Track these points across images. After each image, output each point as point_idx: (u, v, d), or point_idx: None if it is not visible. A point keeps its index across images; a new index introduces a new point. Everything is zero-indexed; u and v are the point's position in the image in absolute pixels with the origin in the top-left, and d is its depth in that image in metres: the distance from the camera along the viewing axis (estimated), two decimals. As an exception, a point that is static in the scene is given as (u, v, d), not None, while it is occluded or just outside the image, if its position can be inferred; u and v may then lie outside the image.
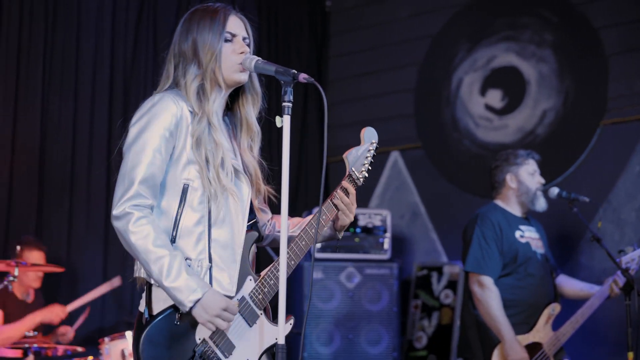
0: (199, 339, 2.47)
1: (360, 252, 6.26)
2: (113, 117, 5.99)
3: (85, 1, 6.01)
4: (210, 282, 2.47)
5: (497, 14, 6.74)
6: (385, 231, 6.30)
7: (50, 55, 5.81)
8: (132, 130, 2.53)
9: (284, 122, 2.46)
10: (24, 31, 5.67)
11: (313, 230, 2.64)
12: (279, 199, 2.48)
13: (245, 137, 2.72)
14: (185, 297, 2.37)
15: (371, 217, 6.32)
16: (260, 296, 2.55)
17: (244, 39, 2.66)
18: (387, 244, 6.29)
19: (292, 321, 2.58)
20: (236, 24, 2.66)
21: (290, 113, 2.47)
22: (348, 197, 2.75)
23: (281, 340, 2.36)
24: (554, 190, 4.70)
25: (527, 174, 4.74)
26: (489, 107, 6.73)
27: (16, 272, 4.29)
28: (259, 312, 2.57)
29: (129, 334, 4.54)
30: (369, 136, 2.91)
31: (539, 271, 4.63)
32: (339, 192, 2.75)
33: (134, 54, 6.24)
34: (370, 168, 2.89)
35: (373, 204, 7.25)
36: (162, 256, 2.37)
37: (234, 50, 2.61)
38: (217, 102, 2.61)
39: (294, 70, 2.52)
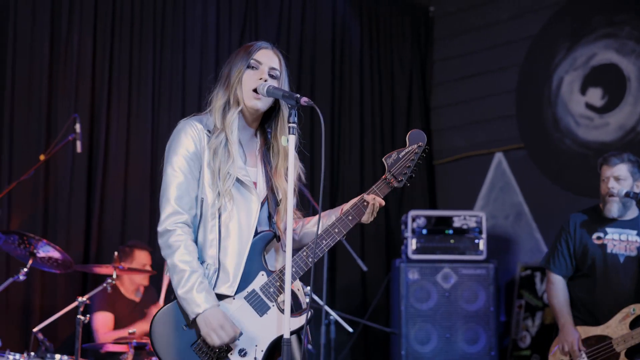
0: (191, 327, 2.77)
1: (456, 253, 6.38)
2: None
3: (190, 23, 6.48)
4: (216, 282, 2.78)
5: (594, 12, 6.67)
6: (480, 232, 6.39)
7: (159, 74, 6.32)
8: (165, 155, 2.90)
9: (290, 141, 2.68)
10: (134, 52, 6.21)
11: (335, 230, 2.85)
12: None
13: (282, 163, 2.95)
14: (191, 309, 2.73)
15: (466, 218, 6.43)
16: (272, 289, 2.80)
17: (271, 69, 2.91)
18: (482, 245, 6.38)
19: (308, 314, 2.79)
20: (265, 55, 2.92)
21: (295, 133, 2.70)
22: (378, 201, 2.90)
23: (286, 335, 2.61)
24: (622, 191, 4.66)
25: (601, 180, 4.78)
26: (589, 106, 6.67)
27: (114, 274, 4.74)
28: (270, 303, 2.79)
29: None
30: (415, 138, 2.94)
31: (614, 272, 4.66)
32: (369, 196, 2.89)
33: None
34: (416, 169, 2.95)
35: (478, 205, 7.34)
36: (182, 270, 2.74)
37: (253, 77, 2.88)
38: (236, 119, 2.88)
39: (297, 95, 2.73)
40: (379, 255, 7.26)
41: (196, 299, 2.71)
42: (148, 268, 5.40)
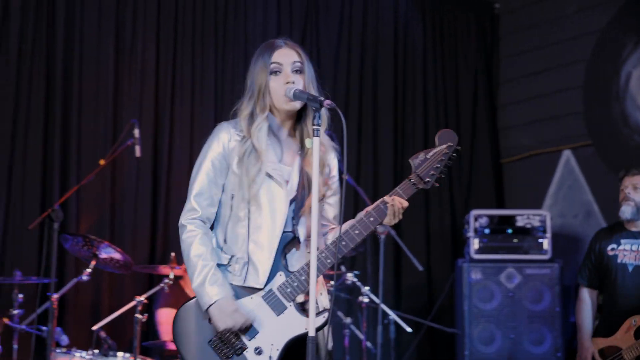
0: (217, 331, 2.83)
1: (520, 252, 6.29)
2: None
3: (251, 25, 6.58)
4: (246, 276, 2.85)
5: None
6: (544, 231, 6.29)
7: (221, 78, 6.44)
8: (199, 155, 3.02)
9: (314, 144, 2.70)
10: (196, 57, 6.34)
11: (356, 231, 2.85)
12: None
13: (308, 152, 2.96)
14: (204, 301, 2.82)
15: (530, 218, 6.34)
16: (289, 289, 2.83)
17: (293, 63, 2.93)
18: (546, 245, 6.27)
19: (325, 315, 2.79)
20: (282, 54, 2.94)
21: (318, 135, 2.72)
22: (400, 203, 2.87)
23: (311, 333, 2.66)
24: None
25: (620, 190, 4.95)
26: (658, 101, 6.48)
27: (171, 275, 4.88)
28: (287, 303, 2.83)
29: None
30: (444, 139, 2.88)
31: (623, 282, 4.79)
32: (391, 198, 2.86)
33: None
34: (444, 170, 2.89)
35: (546, 204, 7.21)
36: (195, 264, 2.85)
37: (279, 83, 2.91)
38: (263, 127, 2.92)
39: (321, 98, 2.76)
40: (444, 255, 7.22)
41: (209, 291, 2.80)
42: None
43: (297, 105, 2.91)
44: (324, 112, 2.82)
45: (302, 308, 2.85)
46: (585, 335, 4.84)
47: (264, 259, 2.85)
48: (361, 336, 5.64)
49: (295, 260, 2.91)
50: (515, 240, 6.31)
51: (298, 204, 2.91)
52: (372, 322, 6.02)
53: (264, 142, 2.90)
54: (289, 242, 2.89)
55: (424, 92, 7.37)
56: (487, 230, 6.34)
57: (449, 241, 7.29)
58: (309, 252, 2.77)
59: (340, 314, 5.63)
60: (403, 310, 6.49)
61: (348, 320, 5.52)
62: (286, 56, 2.93)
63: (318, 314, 2.77)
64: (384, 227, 3.11)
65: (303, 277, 2.82)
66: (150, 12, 6.18)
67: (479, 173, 7.54)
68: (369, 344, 5.63)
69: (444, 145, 2.87)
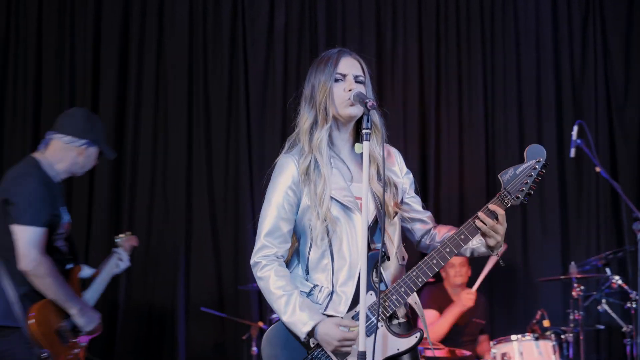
0: (313, 343, 2.78)
1: None
2: (564, 126, 6.04)
3: (522, 15, 6.19)
4: (328, 304, 2.79)
5: None
6: None
7: (491, 75, 6.12)
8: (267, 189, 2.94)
9: (364, 148, 2.63)
10: (462, 55, 6.09)
11: (446, 249, 2.79)
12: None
13: (373, 167, 2.88)
14: (299, 330, 2.75)
15: None
16: (380, 309, 2.77)
17: (355, 77, 2.88)
18: None
19: (417, 334, 2.77)
20: (347, 65, 2.88)
21: (369, 139, 2.64)
22: (493, 220, 2.77)
23: (361, 347, 2.57)
24: None
25: None
26: None
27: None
28: (378, 324, 2.77)
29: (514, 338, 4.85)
30: (534, 154, 2.84)
31: None
32: (480, 215, 2.79)
33: (583, 60, 6.17)
34: (534, 187, 2.83)
35: None
36: (280, 296, 2.79)
37: (343, 89, 2.84)
38: (324, 138, 2.85)
39: (367, 99, 2.71)
40: None
41: (301, 318, 2.75)
42: (462, 269, 5.39)
43: (355, 111, 2.85)
44: (376, 117, 2.87)
45: (394, 328, 2.83)
46: None
47: (347, 288, 2.80)
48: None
49: (390, 276, 2.86)
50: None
51: (381, 219, 2.83)
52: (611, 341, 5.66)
53: (325, 155, 2.84)
54: (377, 260, 2.79)
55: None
56: None
57: None
58: (402, 265, 2.88)
59: (618, 320, 5.24)
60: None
61: (628, 328, 5.14)
62: (351, 67, 2.90)
63: (410, 332, 2.80)
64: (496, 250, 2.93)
65: (394, 297, 2.78)
66: (410, 12, 6.07)
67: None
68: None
69: (533, 161, 2.84)
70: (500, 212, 2.78)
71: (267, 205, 2.88)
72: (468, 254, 2.95)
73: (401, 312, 2.89)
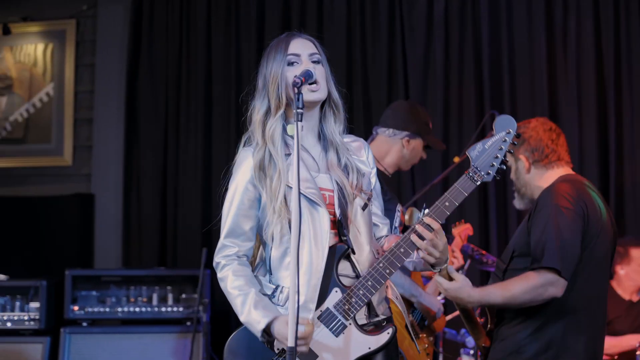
0: (277, 349, 2.57)
1: None
2: None
3: None
4: (297, 305, 2.48)
5: None
6: None
7: None
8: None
9: (295, 130, 2.44)
10: None
11: (400, 250, 2.59)
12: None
13: (333, 153, 2.73)
14: (255, 329, 2.57)
15: None
16: (347, 307, 2.59)
17: (310, 55, 2.69)
18: None
19: (390, 330, 2.59)
20: (299, 45, 2.70)
21: (301, 119, 2.45)
22: (430, 233, 2.56)
23: (290, 343, 2.34)
24: None
25: None
26: None
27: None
28: (346, 322, 2.59)
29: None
30: (502, 125, 2.68)
31: None
32: (417, 228, 2.58)
33: None
34: (506, 161, 2.66)
35: None
36: (236, 296, 2.63)
37: (296, 72, 2.63)
38: (277, 127, 2.66)
39: (301, 77, 2.53)
40: None
41: (255, 316, 2.58)
42: None
43: (318, 95, 2.66)
44: (335, 97, 2.73)
45: (360, 324, 2.61)
46: None
47: (310, 285, 2.60)
48: None
49: (347, 271, 2.65)
50: None
51: (343, 213, 2.65)
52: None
53: (279, 146, 2.64)
54: (342, 254, 2.63)
55: None
56: None
57: None
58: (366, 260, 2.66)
59: None
60: None
61: None
62: (303, 47, 2.71)
63: (382, 329, 2.60)
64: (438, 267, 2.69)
65: (361, 292, 2.58)
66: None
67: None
68: None
69: (503, 133, 2.68)
70: (436, 225, 2.57)
71: (227, 203, 2.74)
72: (411, 268, 2.82)
73: (381, 308, 2.68)
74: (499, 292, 3.12)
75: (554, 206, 3.16)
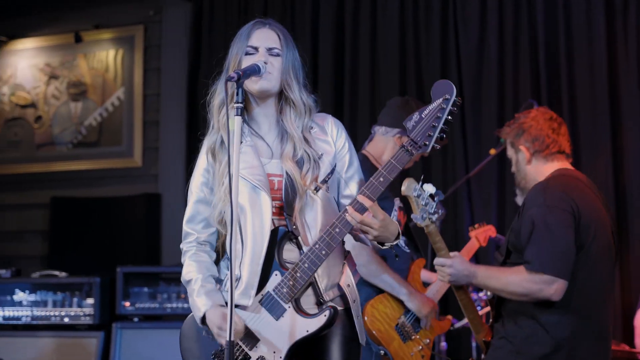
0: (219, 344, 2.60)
1: None
2: None
3: None
4: (233, 292, 2.44)
5: None
6: None
7: None
8: None
9: (236, 124, 2.43)
10: None
11: (336, 230, 2.52)
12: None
13: (290, 145, 2.67)
14: (197, 316, 2.64)
15: None
16: (285, 290, 2.57)
17: (269, 49, 2.66)
18: None
19: (327, 313, 2.53)
20: (260, 37, 2.67)
21: (240, 114, 2.45)
22: (362, 211, 2.50)
23: (229, 337, 2.34)
24: None
25: None
26: None
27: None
28: (285, 305, 2.56)
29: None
30: (439, 91, 2.50)
31: None
32: (349, 207, 2.51)
33: None
34: (445, 129, 2.51)
35: None
36: (187, 281, 2.71)
37: (250, 62, 2.62)
38: (230, 114, 2.52)
39: (238, 71, 2.49)
40: None
41: (197, 303, 2.64)
42: None
43: (265, 85, 2.63)
44: (294, 92, 2.68)
45: (302, 308, 2.58)
46: None
47: (250, 273, 2.59)
48: None
49: (294, 255, 2.61)
50: None
51: (288, 198, 2.62)
52: None
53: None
54: (282, 237, 2.60)
55: None
56: None
57: None
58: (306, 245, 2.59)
59: None
60: None
61: None
62: (265, 39, 2.67)
63: (318, 312, 2.55)
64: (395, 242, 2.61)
65: (298, 274, 2.54)
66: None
67: None
68: None
69: (440, 99, 2.51)
70: (368, 203, 2.49)
71: (189, 190, 2.79)
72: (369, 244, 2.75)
73: (330, 294, 2.62)
74: (499, 275, 3.11)
75: (542, 205, 3.05)
